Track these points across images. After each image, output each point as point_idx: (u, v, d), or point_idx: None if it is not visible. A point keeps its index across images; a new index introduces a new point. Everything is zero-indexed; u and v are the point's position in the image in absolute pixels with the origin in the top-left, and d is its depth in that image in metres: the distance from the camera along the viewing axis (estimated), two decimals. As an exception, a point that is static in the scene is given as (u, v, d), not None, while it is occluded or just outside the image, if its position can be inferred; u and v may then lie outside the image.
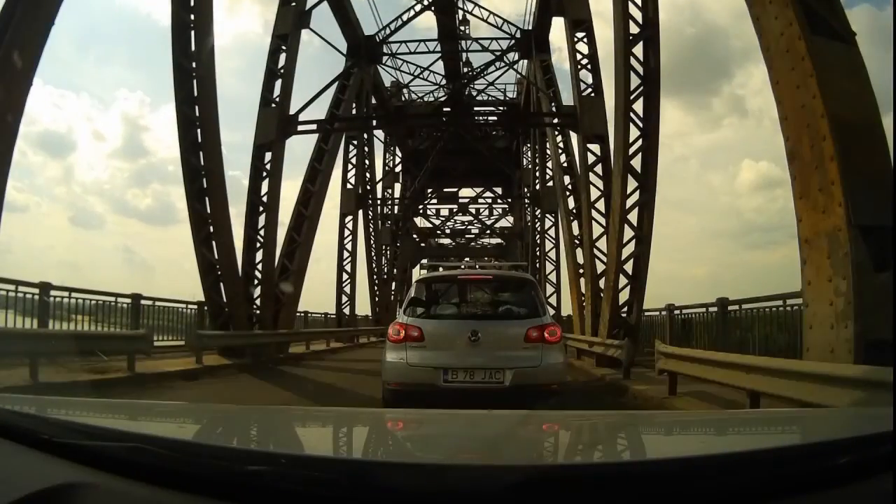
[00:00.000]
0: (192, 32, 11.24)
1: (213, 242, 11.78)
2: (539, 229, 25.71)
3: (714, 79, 66.78)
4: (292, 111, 14.40)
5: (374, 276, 27.54)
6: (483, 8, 20.93)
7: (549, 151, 21.39)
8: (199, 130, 11.47)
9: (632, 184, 10.72)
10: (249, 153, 13.70)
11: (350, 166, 24.54)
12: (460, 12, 20.97)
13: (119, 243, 65.04)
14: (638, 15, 10.43)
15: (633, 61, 10.48)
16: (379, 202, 28.99)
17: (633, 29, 10.43)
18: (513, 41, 20.56)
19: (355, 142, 24.76)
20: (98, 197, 66.28)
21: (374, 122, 24.49)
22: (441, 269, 8.01)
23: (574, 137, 15.63)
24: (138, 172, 70.86)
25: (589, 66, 13.69)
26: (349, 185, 24.47)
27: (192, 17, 11.22)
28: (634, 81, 10.50)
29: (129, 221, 69.61)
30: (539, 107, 20.55)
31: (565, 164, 17.57)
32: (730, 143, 69.10)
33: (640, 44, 10.50)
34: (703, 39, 65.29)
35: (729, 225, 67.75)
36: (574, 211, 15.85)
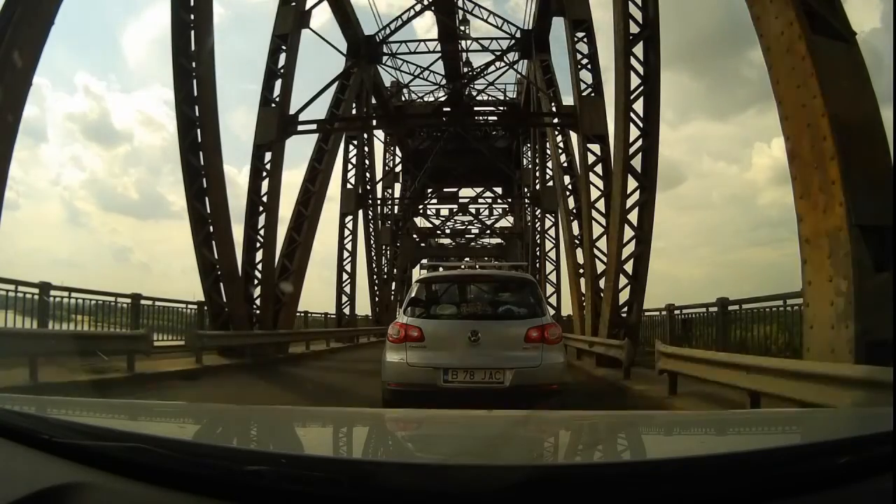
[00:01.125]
0: (192, 32, 11.25)
1: (213, 242, 11.79)
2: (539, 229, 25.72)
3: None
4: (292, 111, 14.42)
5: (374, 276, 27.54)
6: (483, 8, 20.99)
7: (549, 151, 21.40)
8: (198, 130, 11.48)
9: (632, 184, 10.72)
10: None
11: (350, 166, 24.55)
12: (460, 12, 21.01)
13: (105, 240, 64.30)
14: (638, 15, 10.44)
15: (633, 61, 10.49)
16: (379, 202, 28.99)
17: (634, 29, 10.43)
18: (513, 41, 20.58)
19: (355, 142, 24.77)
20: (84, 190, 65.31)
21: (374, 122, 24.49)
22: (441, 269, 8.01)
23: (574, 137, 15.63)
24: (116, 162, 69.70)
25: (589, 66, 13.70)
26: (349, 185, 24.48)
27: (192, 17, 11.22)
28: (634, 81, 10.51)
29: (114, 216, 68.85)
30: (539, 107, 20.56)
31: (565, 164, 17.58)
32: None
33: (641, 43, 10.51)
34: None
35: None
36: (574, 211, 15.86)
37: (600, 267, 12.32)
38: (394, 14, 26.94)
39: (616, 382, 8.65)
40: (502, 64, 21.52)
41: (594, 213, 12.91)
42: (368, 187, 26.61)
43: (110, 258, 58.86)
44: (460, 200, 34.19)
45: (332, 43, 18.83)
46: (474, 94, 26.23)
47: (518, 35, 20.46)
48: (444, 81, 25.41)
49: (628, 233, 10.79)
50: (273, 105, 13.90)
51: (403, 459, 1.26)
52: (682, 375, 6.58)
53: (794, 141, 5.31)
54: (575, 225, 15.62)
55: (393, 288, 29.76)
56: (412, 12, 20.11)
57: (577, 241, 15.29)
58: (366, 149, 26.01)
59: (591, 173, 13.19)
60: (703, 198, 68.75)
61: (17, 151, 7.72)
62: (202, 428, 1.65)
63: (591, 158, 13.24)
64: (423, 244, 34.42)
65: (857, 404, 3.52)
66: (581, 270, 14.23)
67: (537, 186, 25.33)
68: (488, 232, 35.43)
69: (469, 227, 36.10)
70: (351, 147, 24.55)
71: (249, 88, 63.31)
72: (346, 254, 24.45)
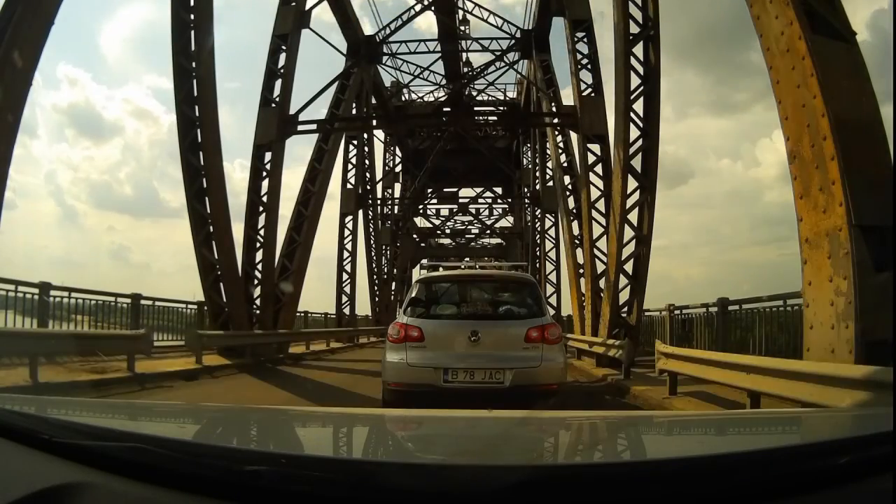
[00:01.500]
0: (192, 32, 11.25)
1: (213, 242, 11.79)
2: (539, 229, 25.70)
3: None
4: (292, 111, 14.42)
5: (374, 276, 27.55)
6: (483, 8, 20.98)
7: (549, 151, 21.39)
8: (198, 130, 11.48)
9: (632, 184, 10.72)
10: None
11: (350, 166, 24.56)
12: (460, 12, 21.02)
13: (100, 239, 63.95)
14: (638, 14, 10.43)
15: (633, 61, 10.49)
16: (379, 202, 29.00)
17: (634, 28, 10.43)
18: (513, 41, 20.58)
19: (355, 142, 24.78)
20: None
21: (374, 122, 24.50)
22: (441, 269, 7.97)
23: (574, 137, 15.63)
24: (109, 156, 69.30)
25: (589, 66, 13.70)
26: (349, 185, 24.49)
27: (192, 16, 11.22)
28: (635, 81, 10.51)
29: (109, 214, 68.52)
30: (539, 107, 20.56)
31: (565, 164, 17.58)
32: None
33: (641, 43, 10.50)
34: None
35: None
36: (574, 211, 15.86)
37: (600, 267, 12.32)
38: (388, 13, 26.91)
39: (616, 382, 8.64)
40: (502, 64, 21.51)
41: (594, 213, 12.90)
42: (368, 187, 26.62)
43: (107, 257, 58.81)
44: (460, 200, 34.21)
45: (332, 43, 18.87)
46: (474, 94, 26.25)
47: (518, 35, 20.47)
48: (444, 81, 25.42)
49: (628, 233, 10.79)
50: (273, 105, 13.90)
51: (403, 460, 1.26)
52: (682, 375, 6.58)
53: (794, 141, 5.31)
54: (575, 225, 15.62)
55: (393, 288, 29.76)
56: (412, 12, 20.14)
57: (577, 241, 15.29)
58: (366, 149, 26.03)
59: (591, 173, 13.19)
60: (707, 196, 68.73)
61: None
62: (202, 428, 1.65)
63: (591, 158, 13.24)
64: (423, 244, 34.40)
65: (857, 404, 3.52)
66: (581, 270, 14.23)
67: (537, 186, 25.32)
68: (488, 232, 35.41)
69: (469, 227, 36.10)
70: (351, 147, 24.56)
71: (231, 87, 63.87)
72: (346, 254, 24.47)
